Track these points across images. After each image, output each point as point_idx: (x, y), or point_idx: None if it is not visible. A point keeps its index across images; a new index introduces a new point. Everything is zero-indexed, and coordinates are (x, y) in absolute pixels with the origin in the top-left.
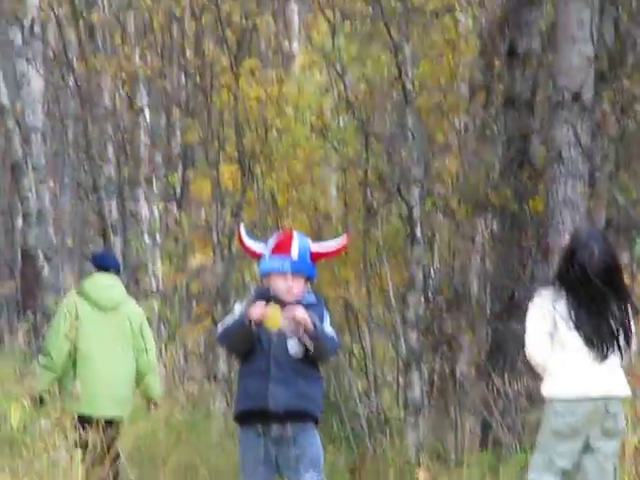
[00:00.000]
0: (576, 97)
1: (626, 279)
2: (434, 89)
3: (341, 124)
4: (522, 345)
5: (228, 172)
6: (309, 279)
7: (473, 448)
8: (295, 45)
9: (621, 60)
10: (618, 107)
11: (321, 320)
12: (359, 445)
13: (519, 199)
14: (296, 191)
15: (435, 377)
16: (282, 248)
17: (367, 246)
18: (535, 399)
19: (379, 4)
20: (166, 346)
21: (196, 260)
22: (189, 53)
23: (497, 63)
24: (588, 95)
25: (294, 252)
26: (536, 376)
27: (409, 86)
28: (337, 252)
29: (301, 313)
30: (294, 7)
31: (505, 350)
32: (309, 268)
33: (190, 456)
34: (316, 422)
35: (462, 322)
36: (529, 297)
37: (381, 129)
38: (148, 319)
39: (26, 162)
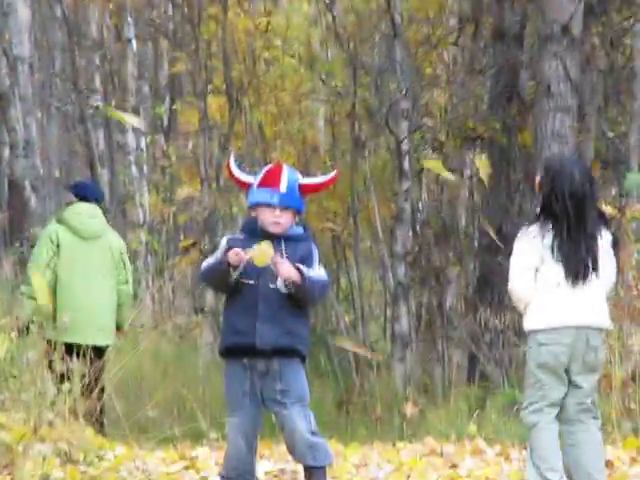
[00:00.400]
0: (565, 30)
1: (614, 211)
2: (423, 21)
3: (329, 56)
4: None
5: (216, 104)
6: (297, 212)
7: (460, 382)
8: None
9: None
10: (607, 41)
11: (310, 259)
12: (346, 379)
13: (508, 132)
14: (284, 123)
15: (423, 310)
16: (271, 180)
17: (355, 179)
18: (522, 333)
19: None
20: (153, 278)
21: (183, 192)
22: None
23: None
24: (577, 29)
25: (283, 185)
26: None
27: (398, 18)
28: (326, 185)
29: (286, 270)
30: None
31: (493, 284)
32: (297, 201)
33: (177, 388)
34: (303, 359)
35: (450, 255)
36: (517, 231)
37: (369, 62)
38: (136, 251)
39: (13, 92)
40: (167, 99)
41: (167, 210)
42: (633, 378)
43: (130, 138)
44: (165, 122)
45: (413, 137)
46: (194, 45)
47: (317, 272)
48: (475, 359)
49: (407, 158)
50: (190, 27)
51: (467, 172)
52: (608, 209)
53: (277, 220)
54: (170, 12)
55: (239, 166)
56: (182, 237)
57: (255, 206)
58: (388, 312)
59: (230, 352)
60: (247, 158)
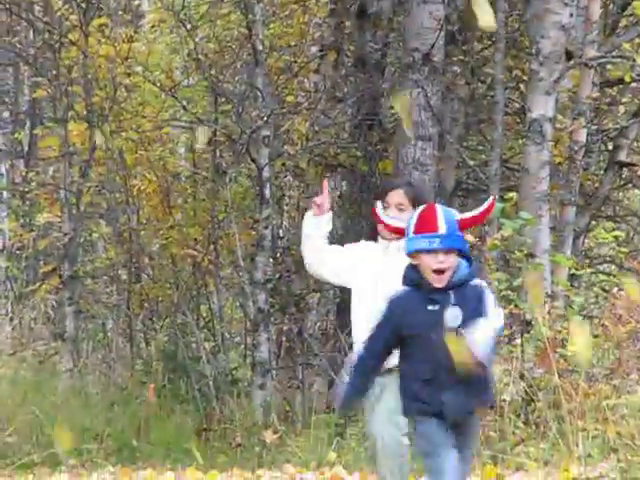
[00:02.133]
0: (426, 59)
1: (474, 239)
2: (284, 49)
3: (190, 83)
4: None
5: (77, 130)
6: (461, 253)
7: (320, 409)
8: (145, 3)
9: (471, 22)
10: (468, 69)
11: (481, 305)
12: (206, 406)
13: (369, 160)
14: (145, 150)
15: (283, 338)
16: (427, 224)
17: (216, 206)
18: None
19: None
20: (13, 304)
21: (44, 218)
22: (38, 9)
23: (347, 24)
24: (438, 57)
25: (441, 226)
26: None
27: (259, 46)
28: (484, 215)
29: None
30: None
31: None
32: (460, 240)
33: (35, 414)
34: None
35: (310, 282)
36: None
37: (230, 88)
38: None
39: None
40: (27, 124)
41: (27, 236)
42: (491, 406)
43: None
44: (25, 147)
45: (274, 164)
46: (55, 71)
47: (490, 323)
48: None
49: (268, 185)
50: (51, 53)
51: None
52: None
53: (440, 266)
54: (31, 37)
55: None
56: (42, 263)
57: (414, 254)
58: (248, 339)
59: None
60: (107, 184)
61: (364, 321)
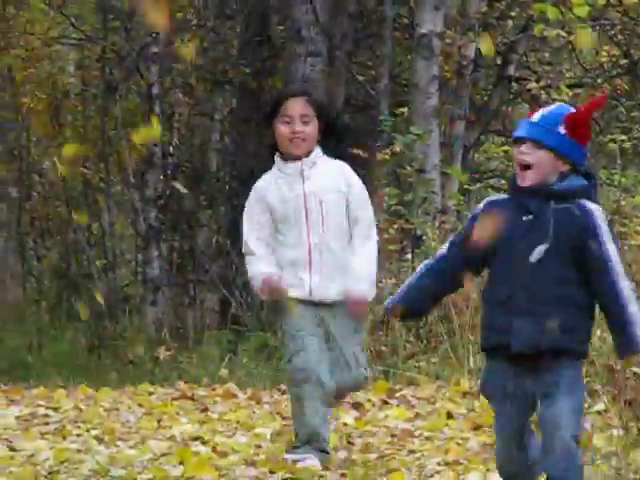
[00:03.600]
0: None
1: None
2: None
3: (79, 0)
4: None
5: None
6: (562, 157)
7: (213, 326)
8: None
9: None
10: None
11: (593, 233)
12: (98, 323)
13: (258, 77)
14: (34, 68)
15: (174, 255)
16: (533, 113)
17: (106, 123)
18: None
19: None
20: None
21: None
22: None
23: None
24: None
25: (537, 115)
26: None
27: None
28: (596, 106)
29: None
30: None
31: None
32: (554, 137)
33: None
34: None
35: (201, 199)
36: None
37: (119, 6)
38: None
39: None
40: None
41: None
42: (382, 321)
43: None
44: None
45: (163, 81)
46: None
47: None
48: (227, 303)
49: (157, 102)
50: None
51: (217, 115)
52: (359, 152)
53: (522, 159)
54: None
55: None
56: None
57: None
58: (139, 256)
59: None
60: None
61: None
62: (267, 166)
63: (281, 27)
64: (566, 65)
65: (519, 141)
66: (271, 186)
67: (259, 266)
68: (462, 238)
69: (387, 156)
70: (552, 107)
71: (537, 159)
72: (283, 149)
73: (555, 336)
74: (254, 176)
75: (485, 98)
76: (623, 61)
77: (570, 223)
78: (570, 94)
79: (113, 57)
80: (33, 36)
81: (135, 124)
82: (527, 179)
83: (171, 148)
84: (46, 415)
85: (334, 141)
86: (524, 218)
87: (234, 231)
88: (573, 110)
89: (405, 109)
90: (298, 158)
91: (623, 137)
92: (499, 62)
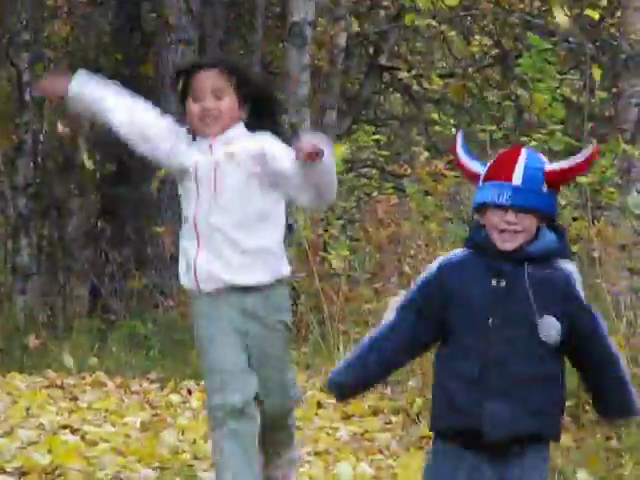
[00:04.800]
0: None
1: None
2: None
3: None
4: (131, 210)
5: None
6: (543, 217)
7: (82, 314)
8: None
9: None
10: None
11: (568, 306)
12: None
13: (130, 64)
14: None
15: (44, 242)
16: (501, 170)
17: None
18: (143, 265)
19: None
20: None
21: None
22: None
23: None
24: None
25: (517, 175)
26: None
27: None
28: (584, 166)
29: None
30: None
31: (114, 215)
32: (541, 199)
33: None
34: None
35: (72, 187)
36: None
37: None
38: None
39: None
40: None
41: None
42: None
43: None
44: None
45: (34, 68)
46: None
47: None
48: (97, 291)
49: (28, 90)
50: None
51: None
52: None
53: (508, 227)
54: None
55: (466, 148)
56: None
57: (480, 207)
58: (9, 244)
59: None
60: None
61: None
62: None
63: (153, 14)
64: (437, 55)
65: (499, 206)
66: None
67: None
68: (411, 305)
69: None
70: (525, 161)
71: (526, 225)
72: (195, 130)
73: (535, 419)
74: (124, 164)
75: (357, 87)
76: (494, 51)
77: (551, 292)
78: (441, 84)
79: None
80: None
81: (6, 112)
82: (516, 243)
83: (41, 136)
84: None
85: (267, 113)
86: (493, 282)
87: (104, 219)
88: (550, 165)
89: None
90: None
91: (493, 127)
92: (370, 51)
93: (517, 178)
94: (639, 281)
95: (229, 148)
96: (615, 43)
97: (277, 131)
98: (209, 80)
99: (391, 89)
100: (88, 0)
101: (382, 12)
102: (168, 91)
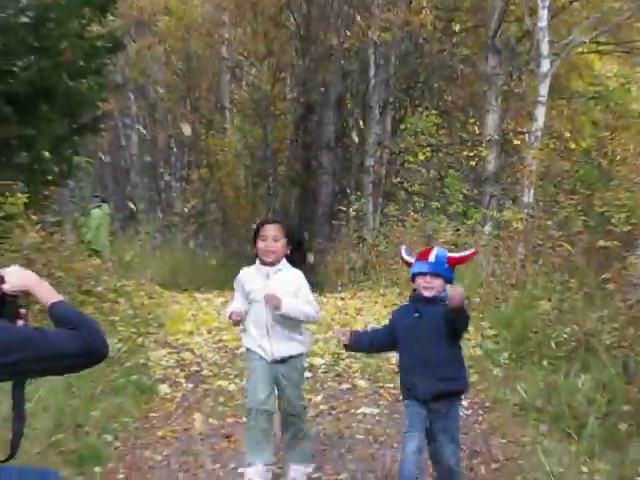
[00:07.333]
0: None
1: None
2: None
3: None
4: None
5: None
6: (447, 280)
7: None
8: None
9: None
10: None
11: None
12: None
13: None
14: None
15: None
16: (423, 256)
17: None
18: None
19: None
20: None
21: None
22: None
23: None
24: None
25: (431, 257)
26: None
27: None
28: (469, 257)
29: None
30: None
31: None
32: (445, 270)
33: None
34: None
35: None
36: None
37: None
38: None
39: None
40: None
41: None
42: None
43: None
44: None
45: None
46: None
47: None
48: None
49: None
50: None
51: None
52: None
53: (428, 285)
54: None
55: (407, 251)
56: None
57: (414, 277)
58: None
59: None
60: None
61: (253, 326)
62: None
63: None
64: None
65: (422, 273)
66: (250, 277)
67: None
68: (386, 325)
69: None
70: (437, 251)
71: (437, 284)
72: (260, 258)
73: (443, 384)
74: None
75: None
76: None
77: (439, 313)
78: None
79: None
80: None
81: None
82: (431, 292)
83: None
84: None
85: (299, 255)
86: (415, 315)
87: None
88: (450, 253)
89: None
90: (269, 264)
91: None
92: None
93: (432, 258)
94: None
95: (279, 275)
96: None
97: (303, 262)
98: (271, 230)
99: None
100: None
101: None
102: None
